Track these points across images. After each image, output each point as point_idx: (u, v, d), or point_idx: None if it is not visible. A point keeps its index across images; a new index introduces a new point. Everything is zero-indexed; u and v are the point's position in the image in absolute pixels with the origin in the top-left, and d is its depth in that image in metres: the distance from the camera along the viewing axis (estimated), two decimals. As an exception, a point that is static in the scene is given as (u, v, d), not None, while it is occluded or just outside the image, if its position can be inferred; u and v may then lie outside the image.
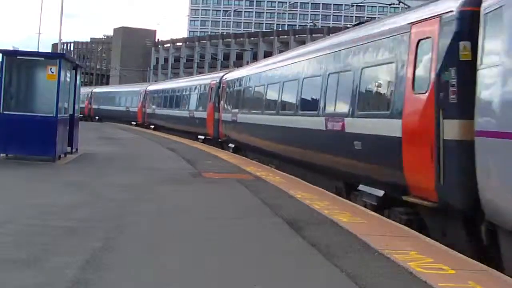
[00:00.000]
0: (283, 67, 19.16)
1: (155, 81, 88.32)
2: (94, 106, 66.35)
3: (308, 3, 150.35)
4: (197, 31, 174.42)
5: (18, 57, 17.31)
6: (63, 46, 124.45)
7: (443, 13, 9.53)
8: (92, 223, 8.75)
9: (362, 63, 12.55)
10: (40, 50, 52.87)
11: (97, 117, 63.18)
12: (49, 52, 57.58)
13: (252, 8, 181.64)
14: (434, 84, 9.46)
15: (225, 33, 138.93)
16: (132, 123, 52.11)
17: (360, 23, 14.96)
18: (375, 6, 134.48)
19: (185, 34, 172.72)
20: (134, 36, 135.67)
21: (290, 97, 17.73)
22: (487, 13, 8.09)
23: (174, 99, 40.43)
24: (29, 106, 17.07)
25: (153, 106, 46.80)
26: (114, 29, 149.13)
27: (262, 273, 6.43)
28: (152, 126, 46.03)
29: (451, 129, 8.95)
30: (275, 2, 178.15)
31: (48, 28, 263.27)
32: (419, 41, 10.21)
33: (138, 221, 9.08)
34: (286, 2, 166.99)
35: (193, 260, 6.86)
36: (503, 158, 7.44)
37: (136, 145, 27.65)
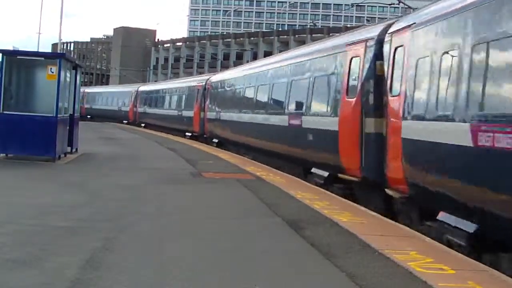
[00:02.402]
0: (258, 73, 22.50)
1: (155, 81, 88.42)
2: (86, 106, 67.01)
3: (308, 3, 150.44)
4: (197, 31, 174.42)
5: (18, 57, 17.31)
6: (63, 46, 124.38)
7: (368, 39, 12.69)
8: (92, 223, 8.75)
9: (314, 73, 15.80)
10: (40, 50, 52.97)
11: (88, 116, 63.63)
12: (49, 52, 57.70)
13: (252, 8, 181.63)
14: (360, 91, 12.61)
15: (225, 33, 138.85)
16: (124, 121, 54.58)
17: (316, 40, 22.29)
18: (375, 6, 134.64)
19: (185, 34, 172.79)
20: (134, 36, 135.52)
21: (263, 99, 21.09)
22: (390, 46, 11.51)
23: (164, 99, 44.53)
24: (29, 106, 17.07)
25: (144, 106, 49.93)
26: (114, 29, 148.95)
27: (262, 273, 6.43)
28: (143, 125, 49.03)
29: (369, 125, 12.02)
30: (275, 2, 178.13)
31: (48, 28, 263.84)
32: (351, 58, 13.31)
33: (138, 221, 9.08)
34: (286, 2, 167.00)
35: (193, 260, 6.86)
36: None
37: (136, 145, 27.65)
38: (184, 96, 37.75)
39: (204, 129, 31.54)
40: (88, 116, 63.09)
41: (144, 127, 47.69)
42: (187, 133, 35.49)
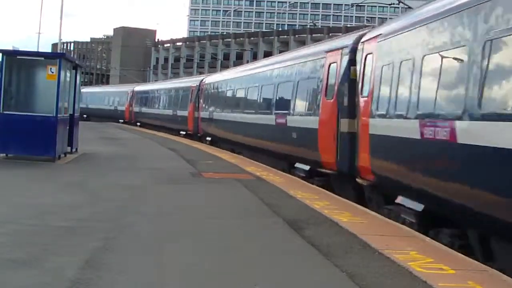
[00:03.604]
0: (248, 76, 24.21)
1: (155, 80, 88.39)
2: (82, 105, 67.28)
3: (308, 3, 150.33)
4: (197, 31, 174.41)
5: (18, 57, 17.31)
6: (63, 46, 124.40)
7: (343, 47, 14.24)
8: (92, 223, 8.75)
9: (298, 77, 17.31)
10: (40, 50, 52.92)
11: (85, 116, 63.74)
12: (49, 52, 57.55)
13: (252, 8, 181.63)
14: (337, 93, 14.04)
15: (225, 33, 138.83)
16: (120, 121, 56.29)
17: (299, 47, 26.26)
18: (375, 6, 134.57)
19: (185, 34, 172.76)
20: (134, 36, 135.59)
21: (252, 100, 22.75)
22: (361, 54, 13.07)
23: (159, 99, 46.37)
24: (29, 106, 17.07)
25: (140, 106, 52.29)
26: (114, 29, 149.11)
27: (262, 273, 6.43)
28: (138, 124, 51.11)
29: (344, 125, 13.51)
30: (275, 2, 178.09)
31: (48, 28, 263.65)
32: (330, 64, 14.82)
33: (138, 221, 9.07)
34: (286, 2, 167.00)
35: (193, 260, 6.85)
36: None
37: (135, 144, 27.65)
38: (179, 96, 39.39)
39: (198, 128, 33.30)
40: (84, 116, 63.66)
41: (140, 126, 49.69)
42: (181, 132, 37.59)
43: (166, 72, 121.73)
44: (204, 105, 32.43)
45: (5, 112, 16.47)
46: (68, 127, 18.35)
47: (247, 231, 8.74)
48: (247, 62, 67.53)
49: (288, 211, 10.17)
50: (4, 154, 17.02)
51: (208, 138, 31.20)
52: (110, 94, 65.17)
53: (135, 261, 6.69)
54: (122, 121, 56.13)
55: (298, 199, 11.69)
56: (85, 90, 70.20)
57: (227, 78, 28.78)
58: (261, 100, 21.40)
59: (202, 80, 34.72)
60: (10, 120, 16.37)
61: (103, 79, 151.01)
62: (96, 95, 67.76)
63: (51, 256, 6.70)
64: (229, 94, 27.25)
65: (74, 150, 19.57)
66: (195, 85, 35.57)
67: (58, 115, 16.59)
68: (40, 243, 7.28)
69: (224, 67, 75.39)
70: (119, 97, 60.23)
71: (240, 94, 24.74)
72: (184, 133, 37.03)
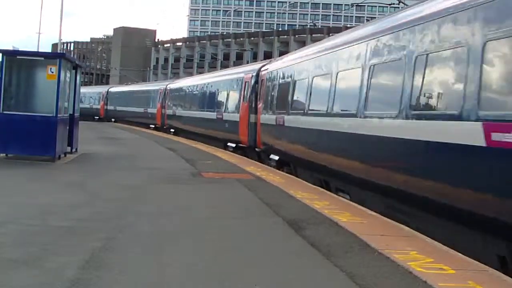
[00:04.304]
0: (200, 84, 35.77)
1: (155, 80, 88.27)
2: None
3: (308, 3, 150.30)
4: (197, 31, 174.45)
5: (18, 57, 17.31)
6: (63, 46, 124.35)
7: (252, 72, 24.43)
8: (92, 223, 8.75)
9: (229, 87, 28.17)
10: (40, 50, 52.91)
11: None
12: (49, 52, 57.59)
13: (252, 8, 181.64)
14: (248, 99, 23.91)
15: (225, 33, 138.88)
16: (95, 117, 60.65)
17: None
18: (375, 6, 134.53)
19: (185, 34, 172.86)
20: (134, 36, 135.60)
21: (201, 101, 34.33)
22: (261, 78, 22.87)
23: (134, 99, 53.66)
24: (29, 106, 17.06)
25: (115, 104, 58.87)
26: (114, 29, 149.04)
27: (262, 273, 6.43)
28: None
29: (252, 118, 23.15)
30: (275, 2, 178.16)
31: (48, 28, 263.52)
32: (246, 82, 24.75)
33: (138, 221, 9.07)
34: (286, 2, 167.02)
35: (193, 260, 6.85)
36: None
37: (135, 144, 27.66)
38: (151, 97, 48.23)
39: (164, 122, 43.06)
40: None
41: (115, 121, 58.05)
42: (151, 125, 46.53)
43: (166, 72, 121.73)
44: (169, 104, 42.23)
45: (5, 112, 16.47)
46: (68, 127, 18.36)
47: (247, 231, 8.74)
48: (247, 62, 67.53)
49: (288, 211, 10.18)
50: (4, 154, 17.02)
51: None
52: (89, 94, 66.01)
53: (135, 261, 6.69)
54: (97, 118, 58.28)
55: (298, 199, 11.69)
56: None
57: (185, 85, 39.86)
58: (207, 102, 32.17)
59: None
60: (10, 120, 16.37)
61: (103, 79, 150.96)
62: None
63: (51, 256, 6.70)
64: (186, 96, 38.06)
65: (74, 150, 19.57)
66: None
67: (58, 115, 16.59)
68: (40, 243, 7.28)
69: (224, 67, 75.39)
70: (95, 97, 61.91)
71: (194, 97, 35.70)
72: (153, 126, 44.60)
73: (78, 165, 17.01)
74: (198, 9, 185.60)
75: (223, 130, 27.47)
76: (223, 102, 28.41)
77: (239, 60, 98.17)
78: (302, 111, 16.46)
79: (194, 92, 35.58)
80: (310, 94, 15.89)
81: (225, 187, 13.41)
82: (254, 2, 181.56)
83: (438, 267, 6.72)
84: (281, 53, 40.73)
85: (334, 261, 6.88)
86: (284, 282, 6.17)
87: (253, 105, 23.26)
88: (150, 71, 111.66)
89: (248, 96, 23.96)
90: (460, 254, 7.57)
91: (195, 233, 8.40)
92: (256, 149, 22.54)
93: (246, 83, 24.61)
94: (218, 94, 29.92)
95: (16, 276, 5.89)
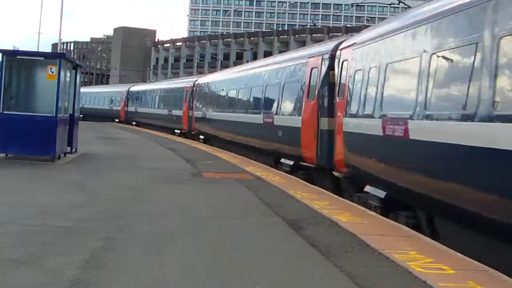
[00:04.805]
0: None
1: (155, 80, 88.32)
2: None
3: (308, 3, 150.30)
4: (197, 31, 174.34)
5: (18, 57, 17.31)
6: (63, 46, 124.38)
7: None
8: (92, 223, 8.75)
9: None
10: (40, 50, 52.88)
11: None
12: (49, 52, 57.58)
13: (252, 8, 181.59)
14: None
15: (225, 33, 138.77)
16: (176, 131, 44.51)
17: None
18: (375, 6, 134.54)
19: (185, 34, 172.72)
20: (134, 36, 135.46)
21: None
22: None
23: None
24: (29, 106, 17.07)
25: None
26: (114, 29, 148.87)
27: (261, 273, 6.43)
28: (134, 123, 52.63)
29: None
30: (275, 2, 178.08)
31: (48, 28, 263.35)
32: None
33: (138, 221, 9.07)
34: (286, 2, 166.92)
35: (193, 260, 6.85)
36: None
37: (135, 144, 27.63)
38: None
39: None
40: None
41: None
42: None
43: (166, 72, 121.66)
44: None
45: (5, 112, 16.47)
46: (68, 127, 18.36)
47: (247, 231, 8.74)
48: (247, 62, 67.47)
49: (288, 211, 10.18)
50: (4, 154, 17.02)
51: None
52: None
53: (135, 261, 6.70)
54: (178, 131, 39.82)
55: (298, 199, 11.69)
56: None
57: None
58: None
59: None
60: (10, 120, 16.36)
61: (103, 79, 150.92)
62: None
63: (51, 256, 6.70)
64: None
65: (74, 150, 19.57)
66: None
67: (58, 115, 16.59)
68: (40, 243, 7.28)
69: (224, 67, 75.36)
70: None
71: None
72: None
73: (78, 165, 17.01)
74: (198, 9, 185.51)
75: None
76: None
77: (239, 60, 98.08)
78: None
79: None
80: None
81: (225, 187, 13.41)
82: (254, 2, 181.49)
83: (437, 267, 6.72)
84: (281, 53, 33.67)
85: (334, 261, 6.88)
86: (283, 282, 6.17)
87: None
88: (150, 71, 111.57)
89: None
90: (459, 254, 7.57)
91: (195, 233, 8.40)
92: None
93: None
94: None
95: (16, 276, 5.89)
